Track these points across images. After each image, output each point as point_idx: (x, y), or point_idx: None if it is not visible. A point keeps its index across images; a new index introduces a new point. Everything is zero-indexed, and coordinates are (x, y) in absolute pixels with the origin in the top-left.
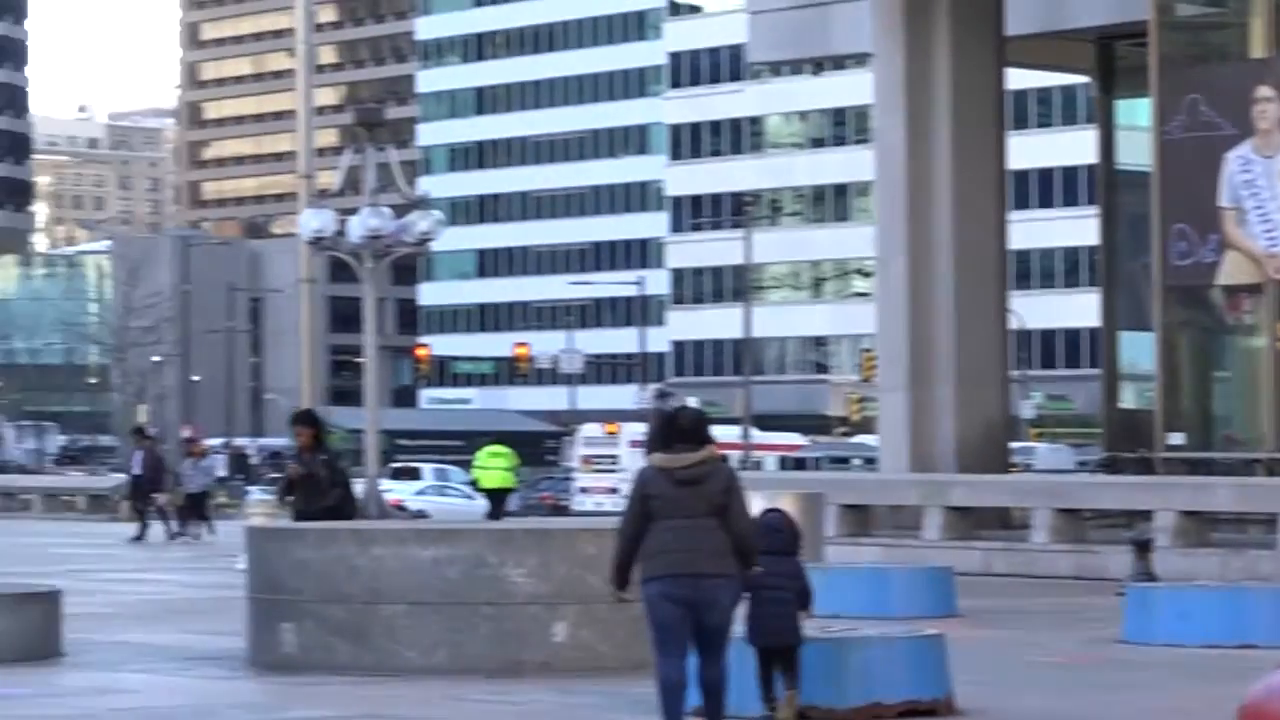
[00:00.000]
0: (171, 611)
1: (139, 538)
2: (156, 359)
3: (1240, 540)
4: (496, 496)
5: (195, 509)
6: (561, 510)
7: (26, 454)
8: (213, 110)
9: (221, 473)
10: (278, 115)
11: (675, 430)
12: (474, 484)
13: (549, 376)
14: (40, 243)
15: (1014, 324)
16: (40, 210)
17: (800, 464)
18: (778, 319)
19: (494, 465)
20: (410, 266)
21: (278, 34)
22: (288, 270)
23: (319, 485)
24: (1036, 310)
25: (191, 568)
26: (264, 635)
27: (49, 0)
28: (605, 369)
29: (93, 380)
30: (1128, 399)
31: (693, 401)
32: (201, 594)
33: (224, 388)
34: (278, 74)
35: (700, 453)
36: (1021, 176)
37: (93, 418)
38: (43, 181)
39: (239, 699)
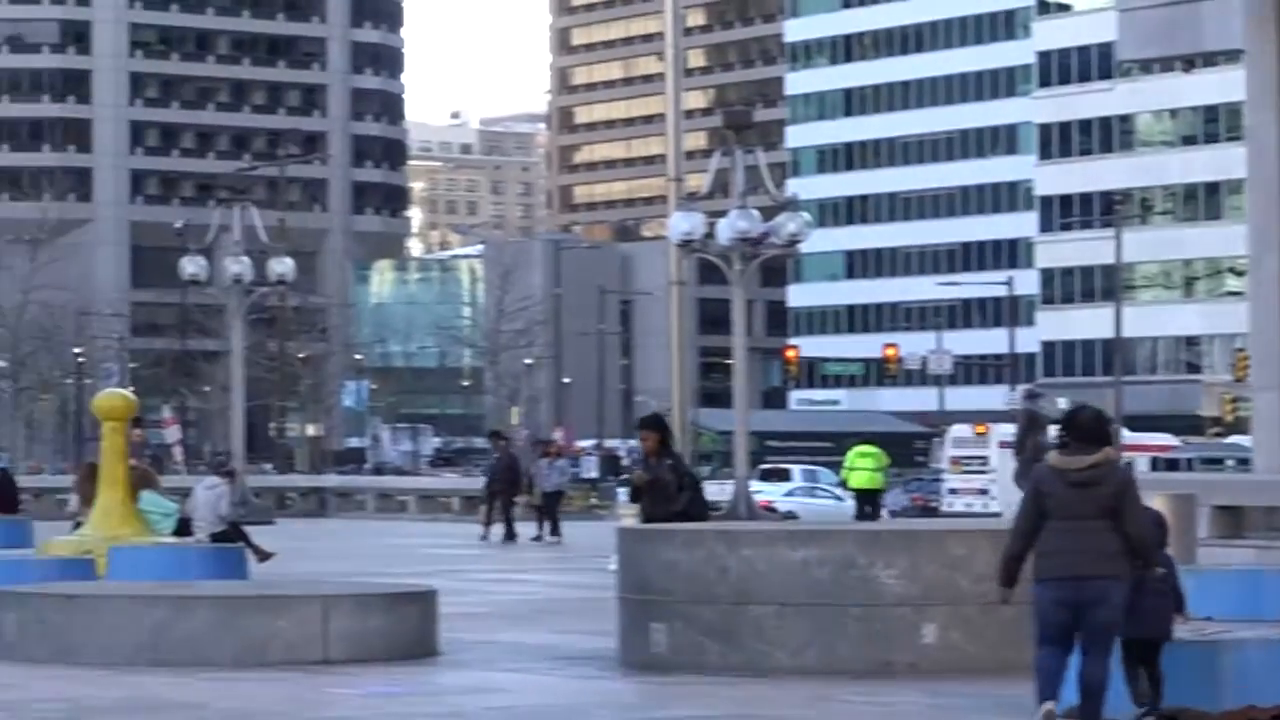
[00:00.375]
0: (542, 611)
1: (510, 537)
2: (528, 362)
3: None
4: (864, 496)
5: (548, 510)
6: (931, 511)
7: (402, 456)
8: (583, 115)
9: (593, 474)
10: (647, 119)
11: (1073, 430)
12: (843, 484)
13: (918, 377)
14: (415, 247)
15: None
16: (415, 215)
17: (1172, 465)
18: (1148, 319)
19: (862, 465)
20: (779, 268)
21: (647, 38)
22: (657, 273)
23: (666, 490)
24: None
25: (562, 568)
26: (634, 635)
27: (424, 8)
28: (974, 370)
29: (466, 383)
30: None
31: (1061, 402)
32: (571, 594)
33: (595, 389)
34: (647, 78)
35: (1096, 455)
36: None
37: (466, 420)
38: (417, 187)
39: (609, 699)
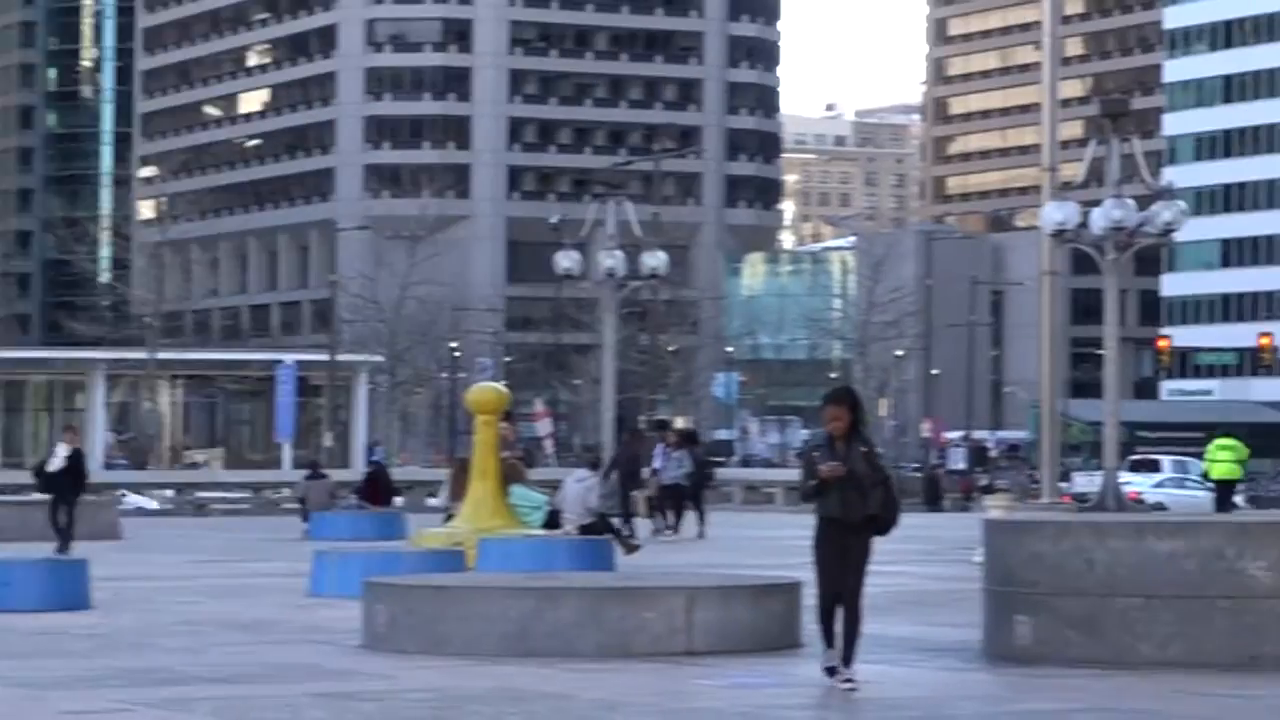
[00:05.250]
0: (907, 603)
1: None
2: (898, 353)
3: None
4: (1224, 487)
5: (672, 501)
6: None
7: (770, 448)
8: (958, 105)
9: (961, 465)
10: (1023, 109)
11: None
12: (1205, 475)
13: None
14: (787, 240)
15: None
16: (788, 208)
17: None
18: None
19: (1222, 457)
20: (1153, 257)
21: (1024, 27)
22: (1029, 263)
23: (860, 486)
24: None
25: (928, 559)
26: (998, 627)
27: (801, 1)
28: None
29: (834, 375)
30: None
31: None
32: (936, 586)
33: (963, 381)
34: (1023, 67)
35: None
36: None
37: None
38: (790, 180)
39: (972, 690)
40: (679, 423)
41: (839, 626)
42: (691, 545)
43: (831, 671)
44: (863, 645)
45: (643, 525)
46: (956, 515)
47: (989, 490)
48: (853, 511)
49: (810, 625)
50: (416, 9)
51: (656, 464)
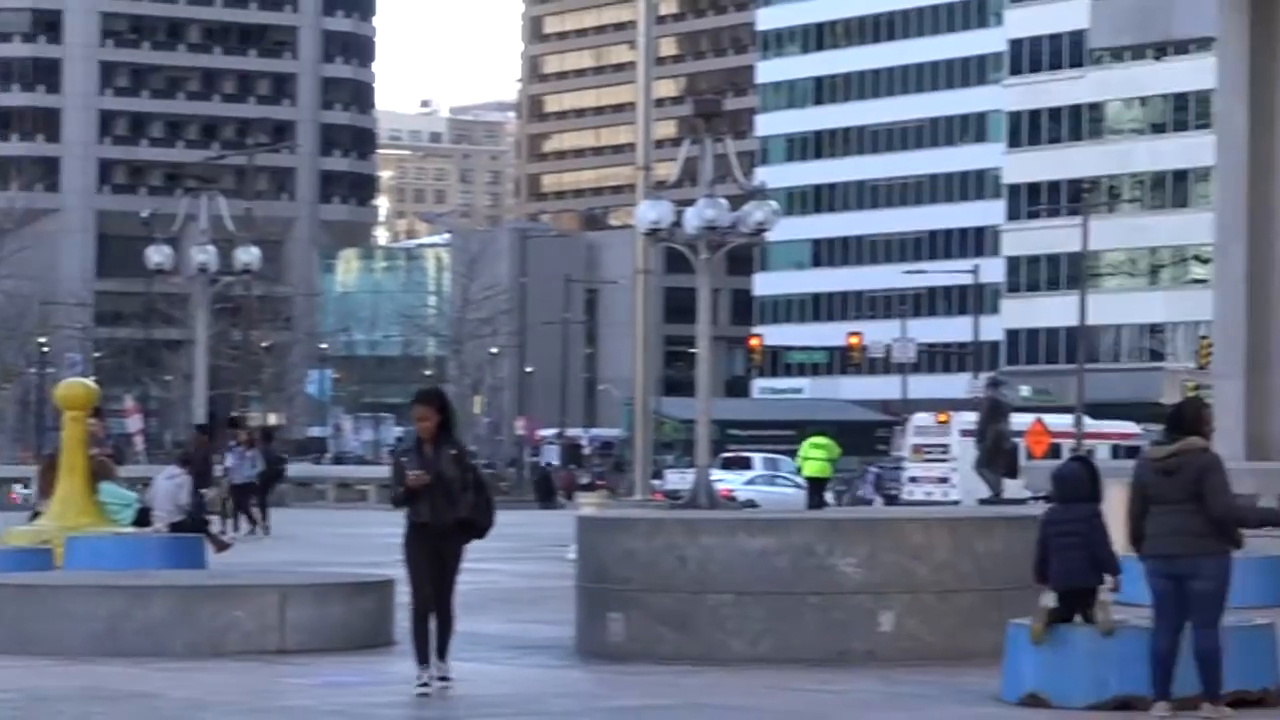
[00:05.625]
0: (498, 601)
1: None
2: (493, 350)
3: None
4: (816, 485)
5: (239, 502)
6: (892, 500)
7: (363, 445)
8: (553, 104)
9: (555, 462)
10: (617, 108)
11: (1168, 420)
12: (798, 472)
13: (881, 366)
14: (381, 236)
15: None
16: (382, 204)
17: (1134, 452)
18: (1113, 306)
19: (814, 455)
20: (745, 257)
21: (619, 27)
22: (624, 262)
23: (450, 491)
24: None
25: (520, 558)
26: (591, 624)
27: None
28: (938, 358)
29: (429, 372)
30: None
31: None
32: (529, 584)
33: (558, 378)
34: (618, 67)
35: (1178, 444)
36: None
37: None
38: (385, 176)
39: (565, 688)
40: (258, 420)
41: (434, 636)
42: (283, 544)
43: (425, 694)
44: (455, 643)
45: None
46: (557, 513)
47: (591, 487)
48: (442, 516)
49: (403, 623)
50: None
51: (229, 462)
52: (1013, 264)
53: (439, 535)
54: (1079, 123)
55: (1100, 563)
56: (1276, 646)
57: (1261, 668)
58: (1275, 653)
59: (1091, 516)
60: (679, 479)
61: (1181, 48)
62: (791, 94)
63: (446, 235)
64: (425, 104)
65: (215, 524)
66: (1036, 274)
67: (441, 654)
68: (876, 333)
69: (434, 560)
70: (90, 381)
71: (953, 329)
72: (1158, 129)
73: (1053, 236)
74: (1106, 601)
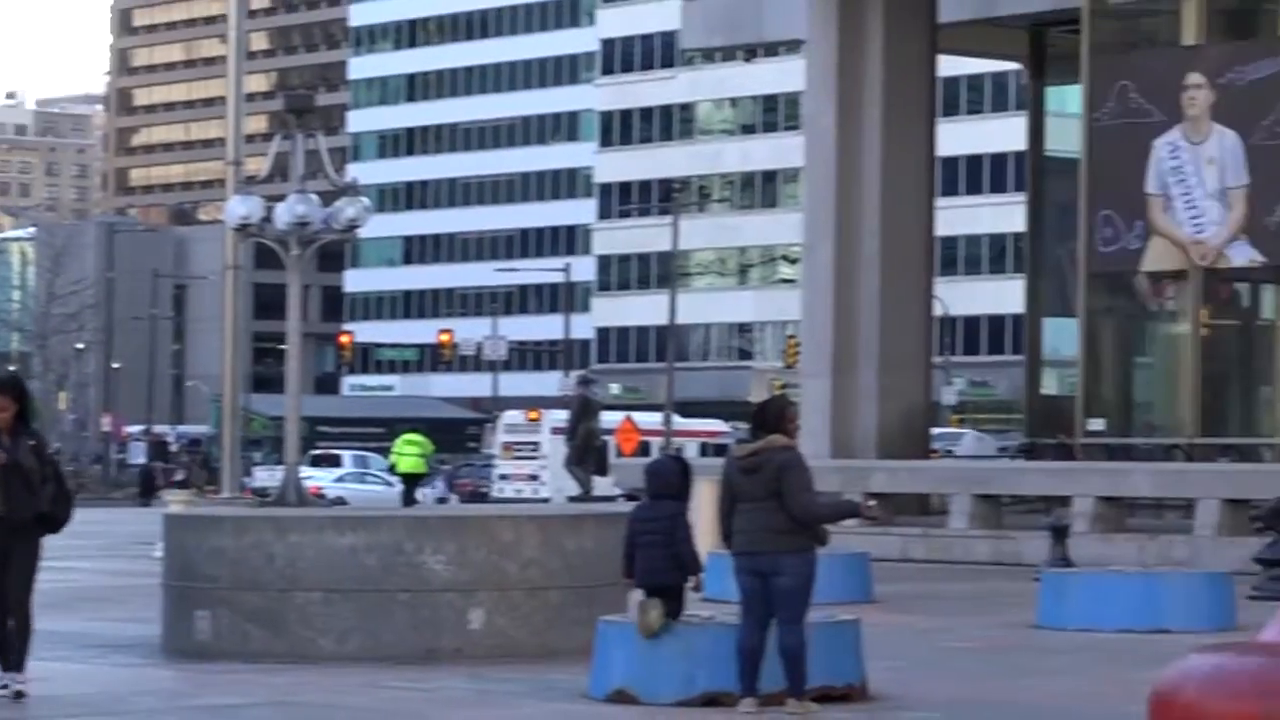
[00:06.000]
0: (84, 599)
1: None
2: (79, 346)
3: (1157, 526)
4: (409, 481)
5: None
6: (481, 497)
7: None
8: (142, 97)
9: (141, 460)
10: (208, 102)
11: (753, 419)
12: (391, 469)
13: (472, 363)
14: None
15: (938, 310)
16: None
17: (722, 450)
18: (703, 305)
19: (408, 452)
20: (337, 254)
21: (210, 20)
22: (213, 257)
23: (29, 481)
24: (961, 297)
25: (105, 555)
26: (179, 623)
27: None
28: (529, 355)
29: (13, 367)
30: (1050, 385)
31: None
32: (114, 581)
33: (145, 374)
34: (209, 60)
35: (760, 442)
36: (950, 163)
37: None
38: None
39: (150, 687)
40: None
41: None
42: None
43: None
44: (35, 641)
45: None
46: (142, 510)
47: (185, 485)
48: (20, 508)
49: None
50: None
51: None
52: (604, 263)
53: (15, 529)
54: (670, 123)
55: (681, 561)
56: (861, 643)
57: (846, 664)
58: (860, 649)
59: (675, 514)
60: (268, 476)
61: (771, 50)
62: (384, 90)
63: (31, 229)
64: (11, 96)
65: None
66: (627, 273)
67: (20, 665)
68: (468, 330)
69: (7, 557)
70: None
71: (544, 327)
72: (748, 130)
73: (643, 235)
74: (649, 603)
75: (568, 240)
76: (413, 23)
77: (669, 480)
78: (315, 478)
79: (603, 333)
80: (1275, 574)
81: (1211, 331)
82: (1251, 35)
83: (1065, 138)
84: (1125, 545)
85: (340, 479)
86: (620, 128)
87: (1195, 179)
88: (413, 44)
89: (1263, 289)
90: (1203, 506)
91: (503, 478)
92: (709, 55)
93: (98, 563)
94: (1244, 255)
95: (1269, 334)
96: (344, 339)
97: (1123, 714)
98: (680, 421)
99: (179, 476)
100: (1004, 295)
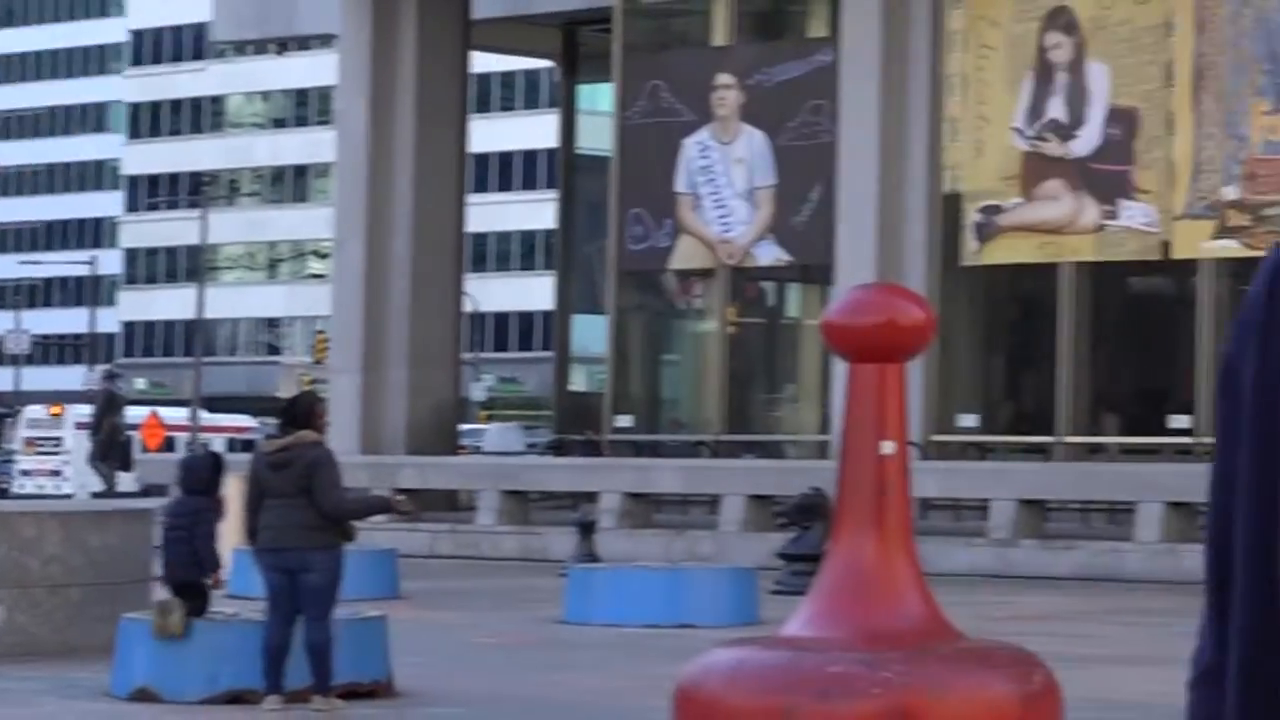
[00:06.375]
0: None
1: None
2: None
3: (683, 522)
4: None
5: None
6: (2, 493)
7: None
8: None
9: None
10: None
11: (283, 415)
12: None
13: None
14: None
15: (468, 306)
16: None
17: (250, 445)
18: (232, 300)
19: None
20: None
21: None
22: None
23: None
24: (492, 293)
25: None
26: None
27: None
28: (53, 349)
29: None
30: (579, 382)
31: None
32: None
33: None
34: None
35: (289, 438)
36: (482, 159)
37: None
38: None
39: None
40: None
41: None
42: None
43: None
44: None
45: None
46: None
47: None
48: None
49: None
50: None
51: None
52: (131, 256)
53: None
54: (200, 115)
55: (200, 558)
56: (387, 639)
57: (373, 660)
58: (386, 645)
59: (199, 510)
60: None
61: (304, 44)
62: None
63: None
64: None
65: None
66: (155, 266)
67: None
68: None
69: None
70: None
71: (69, 320)
72: (279, 124)
73: (172, 229)
74: (169, 604)
75: (94, 233)
76: None
77: (200, 475)
78: None
79: (129, 327)
80: (798, 569)
81: (738, 330)
82: (780, 37)
83: (597, 136)
84: (652, 541)
85: None
86: (150, 119)
87: (724, 178)
88: None
89: (788, 288)
90: (728, 503)
91: (24, 473)
92: (240, 48)
93: None
94: (770, 255)
95: (794, 333)
96: None
97: (647, 709)
98: (207, 417)
99: None
100: (534, 292)
